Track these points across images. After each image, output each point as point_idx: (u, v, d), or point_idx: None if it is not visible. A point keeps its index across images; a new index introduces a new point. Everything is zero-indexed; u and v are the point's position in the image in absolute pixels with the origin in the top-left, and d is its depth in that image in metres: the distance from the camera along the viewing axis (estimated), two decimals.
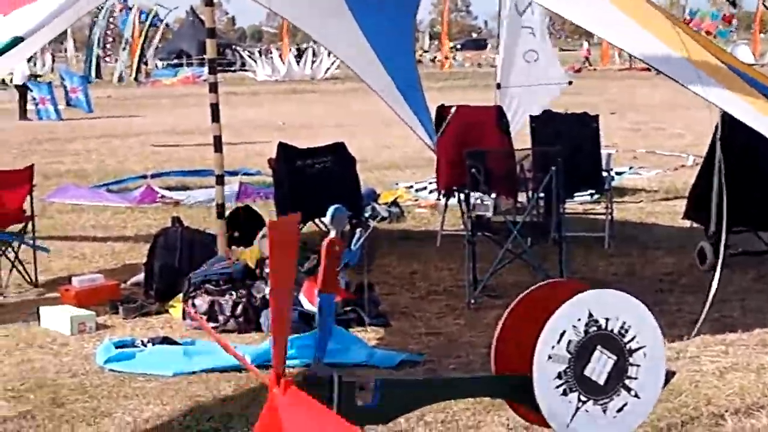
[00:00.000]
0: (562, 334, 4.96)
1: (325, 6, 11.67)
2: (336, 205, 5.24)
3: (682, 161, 17.36)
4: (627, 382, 5.10)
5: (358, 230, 5.18)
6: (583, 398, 5.02)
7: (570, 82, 14.61)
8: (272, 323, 4.22)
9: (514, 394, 5.22)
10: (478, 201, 8.70)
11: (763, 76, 8.67)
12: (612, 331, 5.05)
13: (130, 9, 60.02)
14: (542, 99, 13.40)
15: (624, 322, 5.07)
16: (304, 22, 12.83)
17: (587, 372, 5.01)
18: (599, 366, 5.04)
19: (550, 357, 4.94)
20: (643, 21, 7.35)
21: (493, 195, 9.81)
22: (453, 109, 10.50)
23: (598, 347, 5.02)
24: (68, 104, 32.43)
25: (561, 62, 15.56)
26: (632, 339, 5.09)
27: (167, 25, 70.94)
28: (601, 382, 5.05)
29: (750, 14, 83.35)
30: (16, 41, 7.33)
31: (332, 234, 5.12)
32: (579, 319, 5.00)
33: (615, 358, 5.06)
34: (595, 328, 5.01)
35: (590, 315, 5.01)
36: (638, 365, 5.12)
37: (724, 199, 7.84)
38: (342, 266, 5.14)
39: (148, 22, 60.42)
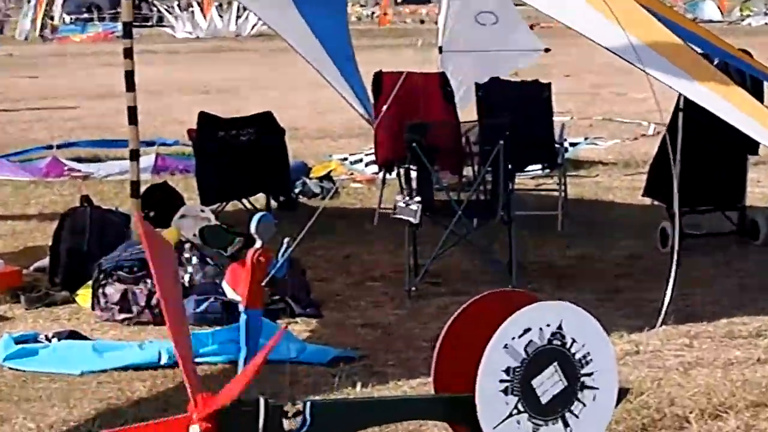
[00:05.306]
0: (526, 330, 4.88)
1: None
2: (262, 212, 5.18)
3: (642, 130, 17.36)
4: (567, 415, 5.01)
5: (285, 240, 5.10)
6: (520, 407, 4.92)
7: (547, 50, 13.94)
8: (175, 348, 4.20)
9: (455, 416, 5.12)
10: (402, 204, 8.58)
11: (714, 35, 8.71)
12: (574, 355, 4.97)
13: None
14: (503, 68, 12.54)
15: (588, 353, 4.99)
16: None
17: (534, 383, 4.93)
18: (548, 384, 4.95)
19: (506, 346, 4.86)
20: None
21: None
22: (403, 77, 10.31)
23: (555, 364, 4.95)
24: None
25: None
26: (590, 374, 5.01)
27: None
28: (544, 401, 4.95)
29: None
30: None
31: (258, 244, 5.05)
32: (548, 325, 4.92)
33: (566, 384, 4.98)
34: (558, 343, 4.94)
35: (560, 327, 4.94)
36: (584, 404, 5.02)
37: (674, 175, 7.87)
38: (267, 280, 5.06)
39: None
